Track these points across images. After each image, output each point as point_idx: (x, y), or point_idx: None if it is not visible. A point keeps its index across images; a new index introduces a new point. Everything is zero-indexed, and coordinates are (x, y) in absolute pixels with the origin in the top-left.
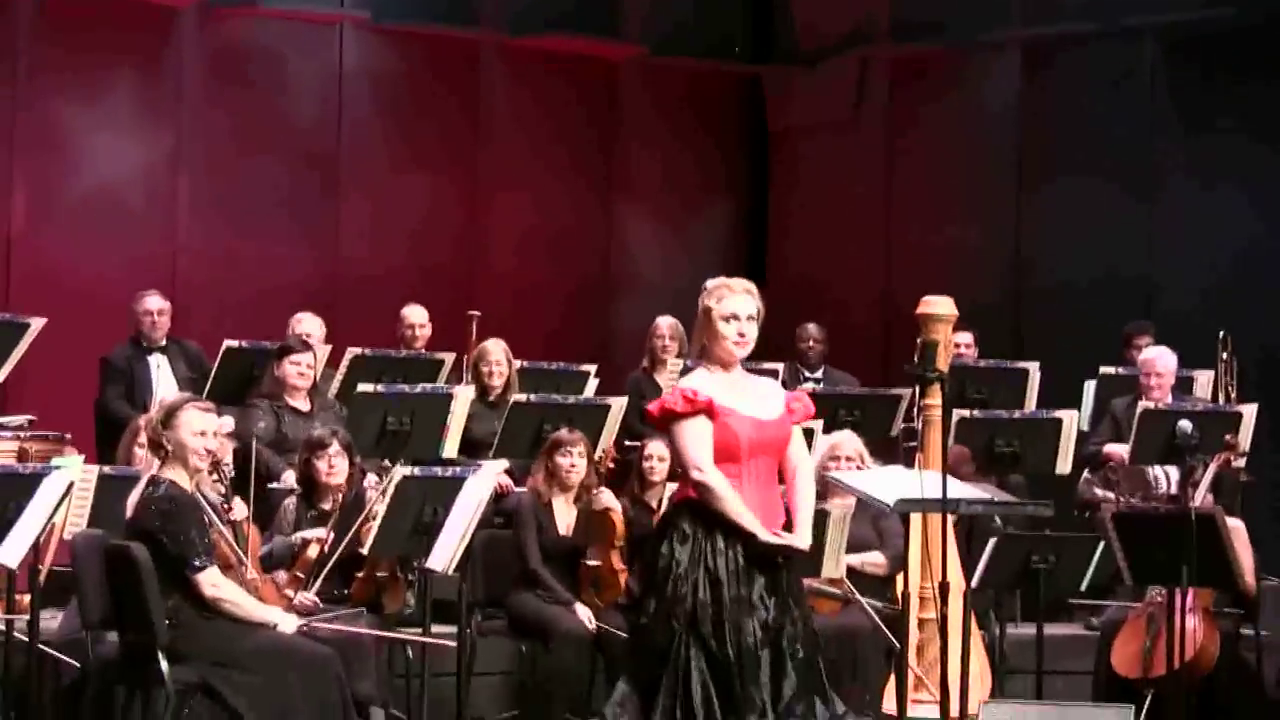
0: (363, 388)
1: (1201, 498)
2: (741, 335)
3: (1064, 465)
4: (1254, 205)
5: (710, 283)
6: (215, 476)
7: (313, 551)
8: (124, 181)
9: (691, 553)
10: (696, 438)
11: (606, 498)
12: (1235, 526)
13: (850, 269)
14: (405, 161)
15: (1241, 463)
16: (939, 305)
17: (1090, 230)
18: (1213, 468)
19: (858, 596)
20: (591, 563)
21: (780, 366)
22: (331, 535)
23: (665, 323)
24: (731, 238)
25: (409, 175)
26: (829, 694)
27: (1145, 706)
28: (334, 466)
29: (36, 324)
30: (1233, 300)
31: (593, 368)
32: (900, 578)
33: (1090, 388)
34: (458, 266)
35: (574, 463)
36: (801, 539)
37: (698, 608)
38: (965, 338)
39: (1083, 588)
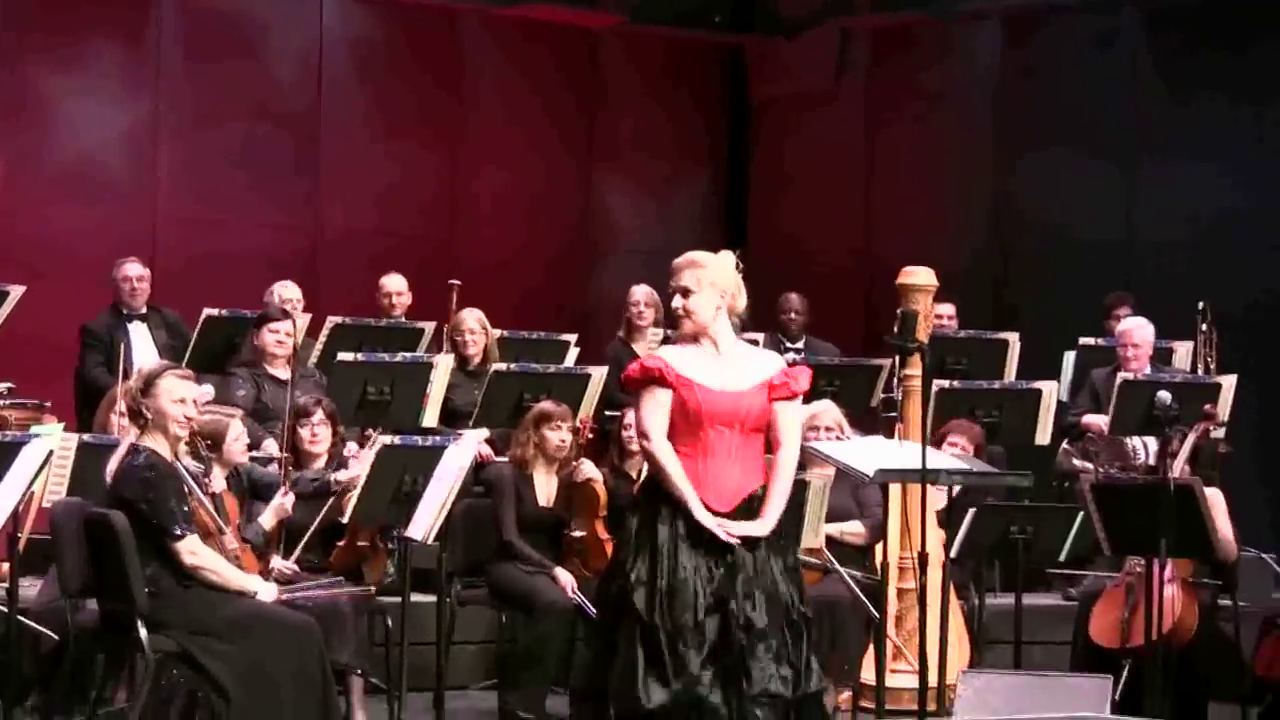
0: (343, 356)
1: (1180, 468)
2: (676, 308)
3: (1043, 436)
4: (1235, 175)
5: None
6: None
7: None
8: (104, 149)
9: (642, 521)
10: (649, 406)
11: (588, 468)
12: (1214, 496)
13: (831, 238)
14: (385, 129)
15: (1221, 433)
16: (919, 276)
17: (1071, 200)
18: (1192, 438)
19: (837, 567)
20: (577, 534)
21: (761, 337)
22: (292, 498)
23: (641, 291)
24: (712, 207)
25: (389, 143)
26: (804, 665)
27: (1123, 676)
28: (317, 435)
29: (16, 291)
30: (1213, 271)
31: (573, 337)
32: (879, 548)
33: (1070, 358)
34: (437, 234)
35: (563, 437)
36: (762, 525)
37: (635, 575)
38: (946, 309)
39: (1061, 558)
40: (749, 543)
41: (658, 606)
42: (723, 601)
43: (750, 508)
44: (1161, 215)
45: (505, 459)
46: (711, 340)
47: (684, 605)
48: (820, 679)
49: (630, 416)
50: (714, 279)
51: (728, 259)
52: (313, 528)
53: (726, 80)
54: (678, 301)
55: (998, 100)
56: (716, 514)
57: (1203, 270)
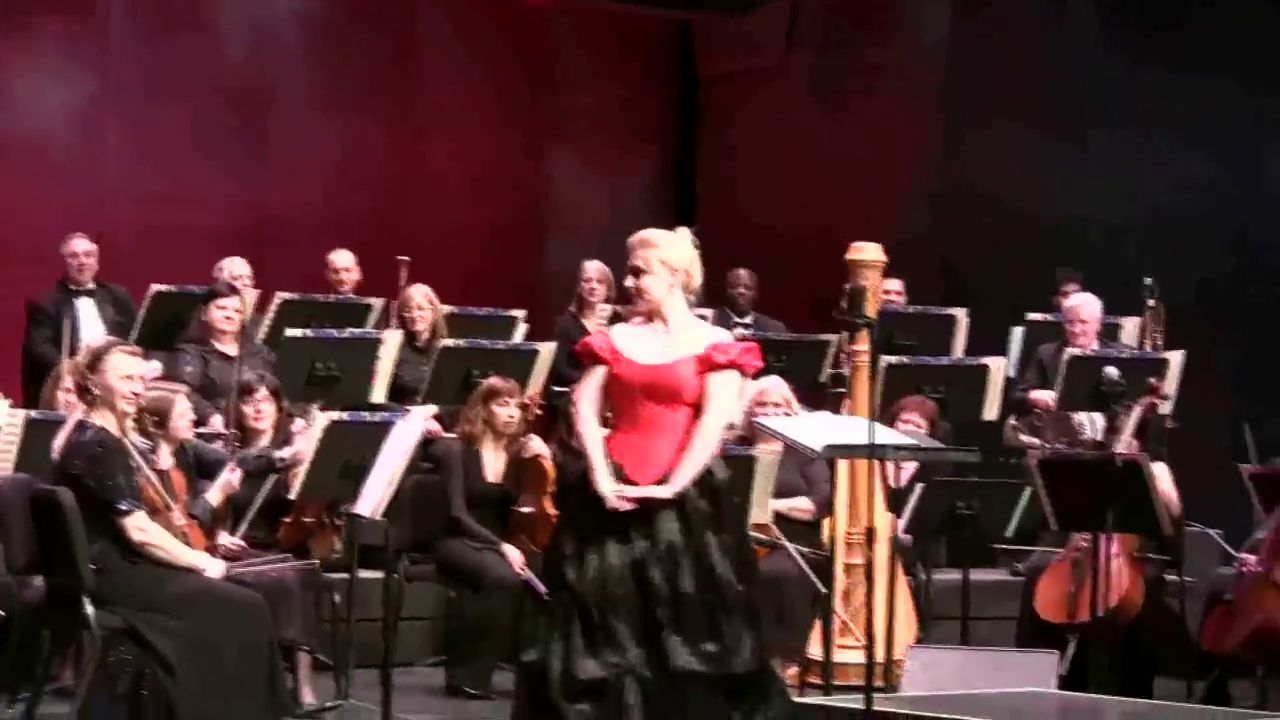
0: (291, 332)
1: (1126, 443)
2: (632, 289)
3: (991, 411)
4: (1183, 151)
5: None
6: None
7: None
8: (52, 124)
9: (577, 494)
10: (585, 381)
11: (536, 444)
12: (1159, 471)
13: (780, 214)
14: (335, 106)
15: (1168, 409)
16: (867, 251)
17: (1018, 176)
18: (1138, 411)
19: (784, 542)
20: (525, 509)
21: (710, 312)
22: (240, 474)
23: (592, 267)
24: (661, 183)
25: (338, 119)
26: (734, 643)
27: (1070, 651)
28: (261, 412)
29: None
30: (1162, 246)
31: (522, 313)
32: (827, 523)
33: (1017, 334)
34: (386, 210)
35: (512, 413)
36: (665, 488)
37: (567, 547)
38: (895, 284)
39: (1008, 533)
40: (680, 517)
41: (584, 578)
42: (645, 575)
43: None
44: (1110, 191)
45: (453, 435)
46: (663, 318)
47: (610, 578)
48: (752, 660)
49: None
50: (666, 257)
51: (683, 236)
52: (256, 504)
53: (676, 56)
54: (630, 280)
55: (947, 76)
56: (635, 486)
57: (1150, 247)
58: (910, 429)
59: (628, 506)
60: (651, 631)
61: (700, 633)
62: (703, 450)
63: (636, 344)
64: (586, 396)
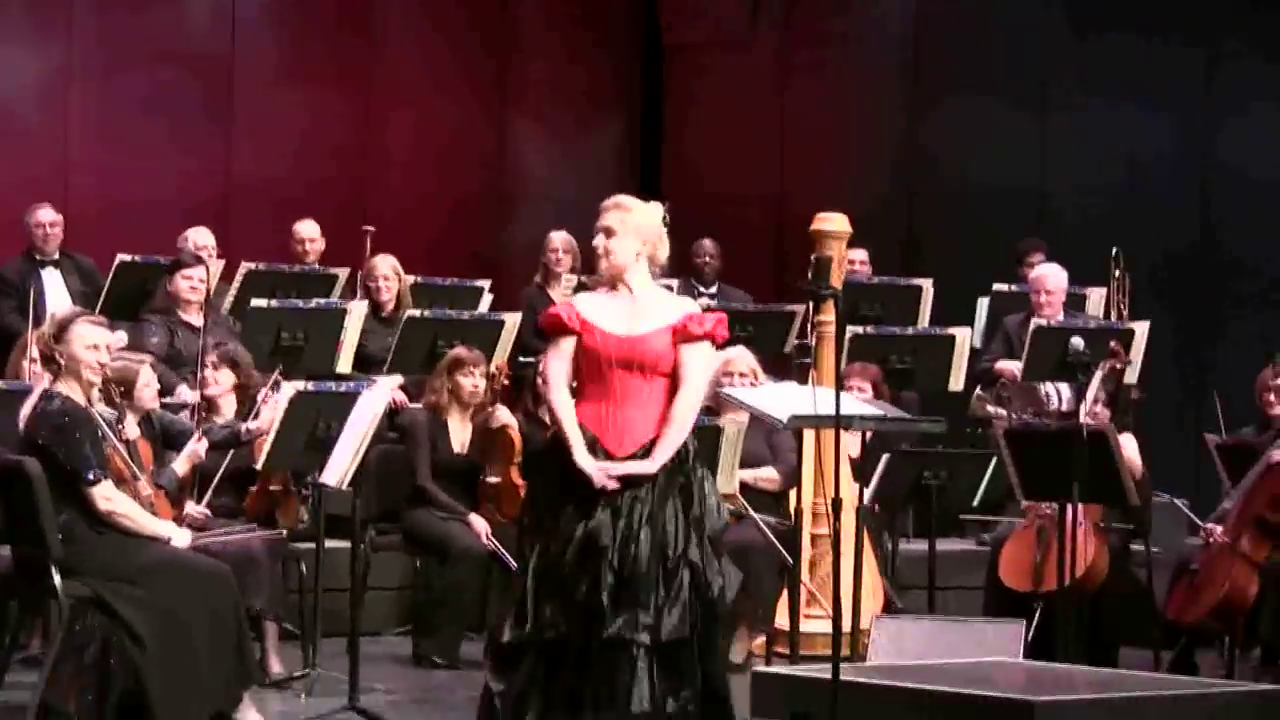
0: (256, 303)
1: (1090, 406)
2: (600, 249)
3: (956, 382)
4: (1146, 119)
5: None
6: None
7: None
8: (15, 94)
9: (548, 465)
10: (552, 353)
11: (502, 414)
12: (1126, 441)
13: (745, 185)
14: (297, 73)
15: (1134, 378)
16: (833, 222)
17: (983, 145)
18: (1098, 376)
19: (751, 512)
20: (491, 479)
21: (675, 283)
22: (206, 443)
23: (558, 237)
24: (626, 153)
25: (301, 87)
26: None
27: (1035, 620)
28: (218, 380)
29: None
30: (1126, 216)
31: (487, 283)
32: (793, 493)
33: (983, 305)
34: (350, 180)
35: (476, 383)
36: (649, 463)
37: (540, 517)
38: (859, 254)
39: (975, 504)
40: (639, 486)
41: (551, 546)
42: (600, 545)
43: (646, 454)
44: (1074, 160)
45: (419, 405)
46: (627, 286)
47: (555, 545)
48: (680, 626)
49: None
50: (638, 224)
51: (656, 209)
52: (219, 473)
53: (641, 27)
54: (599, 240)
55: (910, 46)
56: (612, 458)
57: (1116, 216)
58: (857, 395)
59: (614, 485)
60: (594, 600)
61: (642, 603)
62: (684, 425)
63: (605, 314)
64: (557, 369)
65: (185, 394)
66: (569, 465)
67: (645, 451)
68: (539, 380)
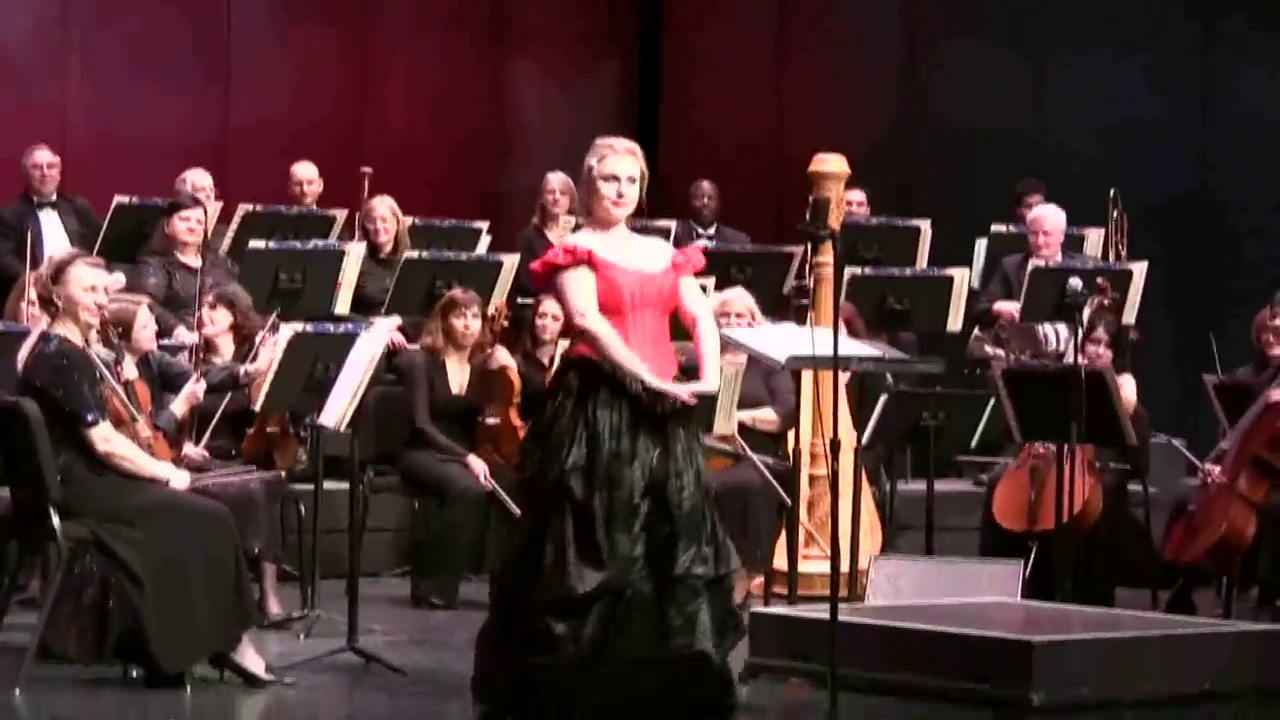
0: (254, 244)
1: (1082, 342)
2: (620, 196)
3: (955, 323)
4: (1144, 59)
5: (597, 141)
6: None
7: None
8: (13, 36)
9: (574, 409)
10: (579, 286)
11: (501, 356)
12: (1124, 382)
13: (743, 126)
14: (295, 14)
15: (1131, 318)
16: (830, 163)
17: (981, 87)
18: (1087, 312)
19: (749, 453)
20: (490, 421)
21: (673, 224)
22: (204, 385)
23: (556, 178)
24: (623, 94)
25: (299, 28)
26: (723, 546)
27: (1030, 560)
28: (214, 320)
29: None
30: (1123, 157)
31: (485, 224)
32: (791, 434)
33: (981, 246)
34: (347, 121)
35: (468, 324)
36: (708, 382)
37: (570, 463)
38: (857, 195)
39: (972, 445)
40: (679, 422)
41: (596, 490)
42: (659, 483)
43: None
44: (1071, 101)
45: (417, 347)
46: (622, 228)
47: (622, 488)
48: (736, 559)
49: (546, 305)
50: (644, 170)
51: None
52: (217, 415)
53: None
54: (624, 187)
55: None
56: None
57: (1114, 156)
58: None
59: (694, 401)
60: (656, 540)
61: (702, 538)
62: (718, 342)
63: (613, 251)
64: (591, 307)
65: (183, 335)
66: (633, 398)
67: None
68: (571, 316)
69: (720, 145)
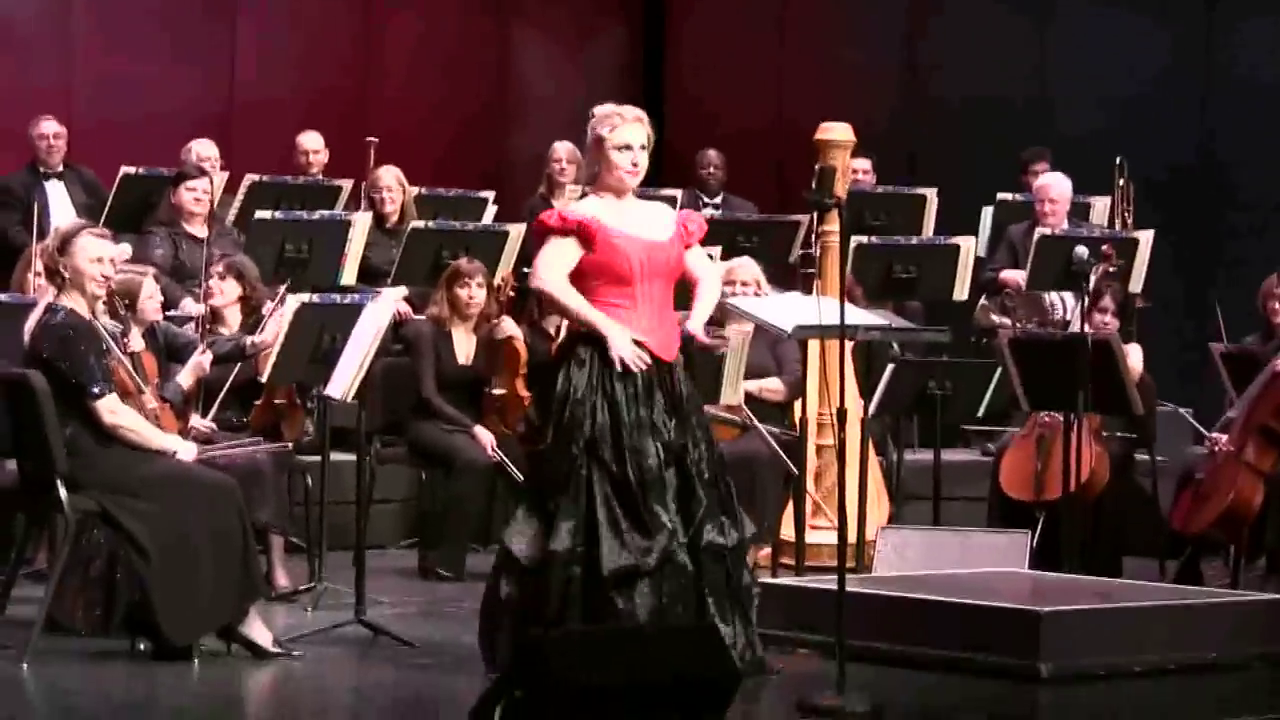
0: (260, 214)
1: (1086, 310)
2: (635, 165)
3: (961, 291)
4: (1148, 25)
5: (599, 110)
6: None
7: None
8: (17, 6)
9: (589, 378)
10: (553, 253)
11: (508, 325)
12: (1131, 350)
13: (747, 94)
14: None
15: (1138, 287)
16: (836, 131)
17: (985, 53)
18: (1094, 279)
19: (756, 423)
20: (497, 391)
21: (679, 193)
22: (210, 356)
23: (563, 148)
24: (628, 62)
25: None
26: (738, 514)
27: (1038, 529)
28: (223, 290)
29: None
30: (1129, 125)
31: (491, 194)
32: (798, 404)
33: (987, 214)
34: (352, 90)
35: (473, 294)
36: (692, 321)
37: (596, 432)
38: (863, 164)
39: (979, 414)
40: (689, 391)
41: (627, 460)
42: (679, 453)
43: (684, 352)
44: (1077, 67)
45: (424, 317)
46: (630, 196)
47: (649, 457)
48: (750, 525)
49: None
50: (652, 136)
51: None
52: (225, 386)
53: None
54: (637, 155)
55: None
56: (661, 364)
57: (1119, 125)
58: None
59: (644, 366)
60: (684, 510)
61: (719, 507)
62: (714, 295)
63: (622, 220)
64: (553, 271)
65: (189, 306)
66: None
67: (683, 351)
68: (535, 277)
69: (725, 114)
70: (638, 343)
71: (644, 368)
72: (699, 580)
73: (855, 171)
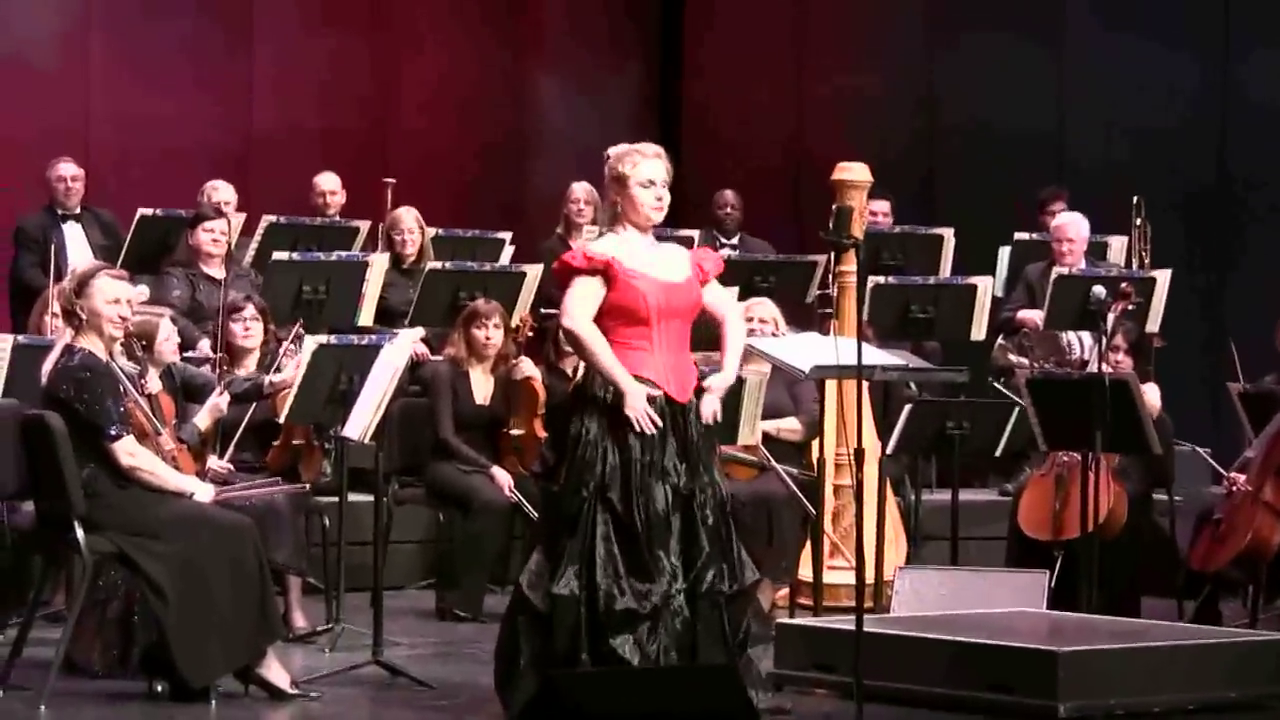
0: (278, 255)
1: (1108, 350)
2: (659, 200)
3: (978, 331)
4: (1165, 57)
5: (615, 150)
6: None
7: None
8: (35, 46)
9: (601, 420)
10: (582, 293)
11: (526, 366)
12: (1149, 390)
13: (764, 131)
14: (318, 21)
15: (1155, 325)
16: (854, 171)
17: (1004, 91)
18: (1111, 318)
19: (773, 464)
20: (515, 431)
21: (696, 233)
22: (227, 397)
23: (581, 188)
24: (645, 101)
25: (320, 34)
26: (741, 560)
27: (1056, 569)
28: (249, 330)
29: None
30: (1145, 159)
31: (508, 235)
32: (815, 444)
33: (1004, 254)
34: (369, 129)
35: (489, 335)
36: (724, 374)
37: (606, 474)
38: (882, 206)
39: (997, 453)
40: (700, 437)
41: (634, 503)
42: (686, 498)
43: (699, 394)
44: (1093, 102)
45: (441, 358)
46: (649, 234)
47: (656, 501)
48: (753, 572)
49: None
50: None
51: None
52: (241, 426)
53: None
54: (662, 193)
55: None
56: (677, 403)
57: (1136, 160)
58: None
59: (651, 430)
60: (686, 555)
61: (720, 553)
62: (740, 342)
63: (641, 260)
64: (581, 313)
65: (206, 347)
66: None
67: (699, 394)
68: (562, 317)
69: (742, 151)
70: (651, 398)
71: (652, 431)
72: (694, 626)
73: (874, 213)
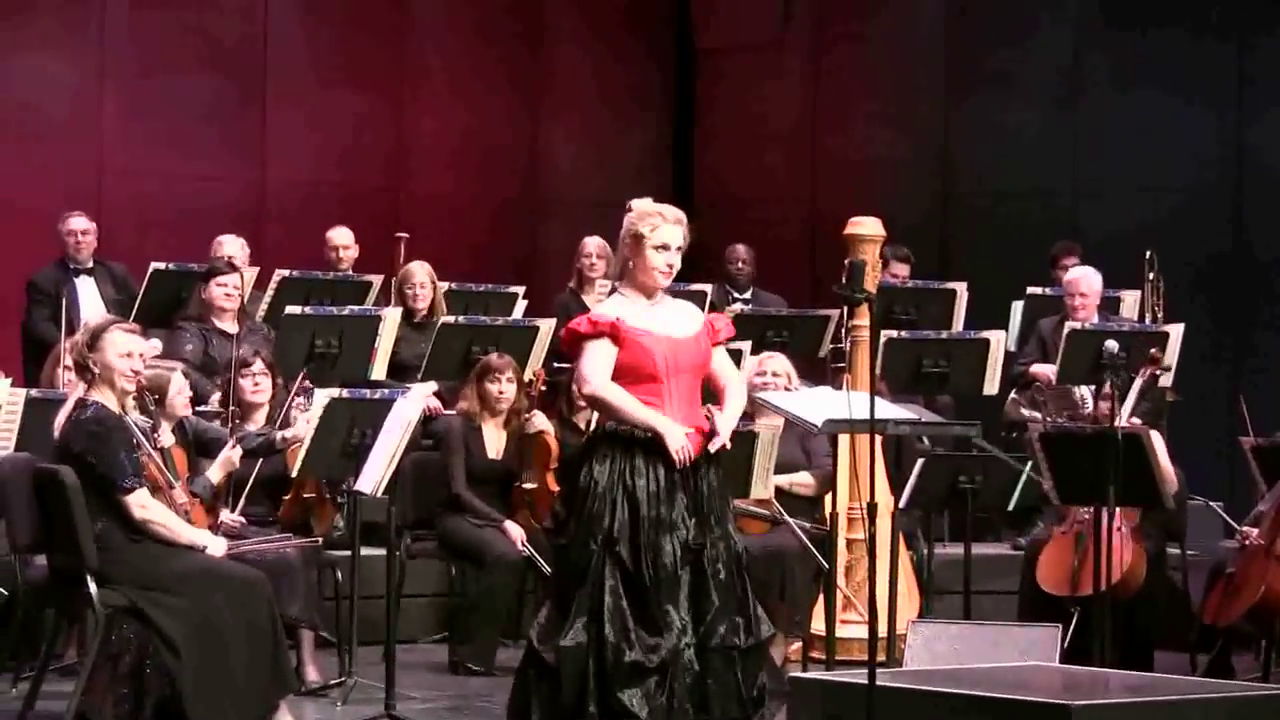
0: (290, 309)
1: (1130, 412)
2: (670, 266)
3: (991, 386)
4: (1179, 116)
5: (638, 205)
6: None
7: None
8: (48, 101)
9: (610, 474)
10: (596, 356)
11: (539, 420)
12: (1157, 443)
13: (777, 188)
14: (331, 77)
15: (1168, 381)
16: (866, 226)
17: (1016, 148)
18: (1139, 382)
19: (786, 518)
20: (527, 485)
21: (709, 288)
22: (240, 451)
23: (593, 243)
24: (658, 156)
25: (335, 91)
26: (755, 614)
27: (1072, 624)
28: (259, 385)
29: None
30: (1159, 216)
31: (521, 289)
32: (828, 498)
33: (1017, 308)
34: (383, 185)
35: (502, 389)
36: (720, 427)
37: (615, 527)
38: (903, 269)
39: (1010, 508)
40: (711, 491)
41: (643, 558)
42: (699, 550)
43: (708, 449)
44: (1107, 163)
45: (454, 412)
46: (660, 294)
47: (665, 555)
48: (768, 626)
49: None
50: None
51: None
52: (251, 479)
53: (674, 29)
54: (674, 258)
55: (943, 49)
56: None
57: (1149, 216)
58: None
59: (727, 448)
60: (695, 609)
61: (734, 607)
62: (740, 407)
63: (646, 318)
64: (598, 375)
65: (218, 401)
66: (667, 468)
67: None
68: (578, 382)
69: (755, 207)
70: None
71: (688, 462)
72: (704, 680)
73: (894, 275)
